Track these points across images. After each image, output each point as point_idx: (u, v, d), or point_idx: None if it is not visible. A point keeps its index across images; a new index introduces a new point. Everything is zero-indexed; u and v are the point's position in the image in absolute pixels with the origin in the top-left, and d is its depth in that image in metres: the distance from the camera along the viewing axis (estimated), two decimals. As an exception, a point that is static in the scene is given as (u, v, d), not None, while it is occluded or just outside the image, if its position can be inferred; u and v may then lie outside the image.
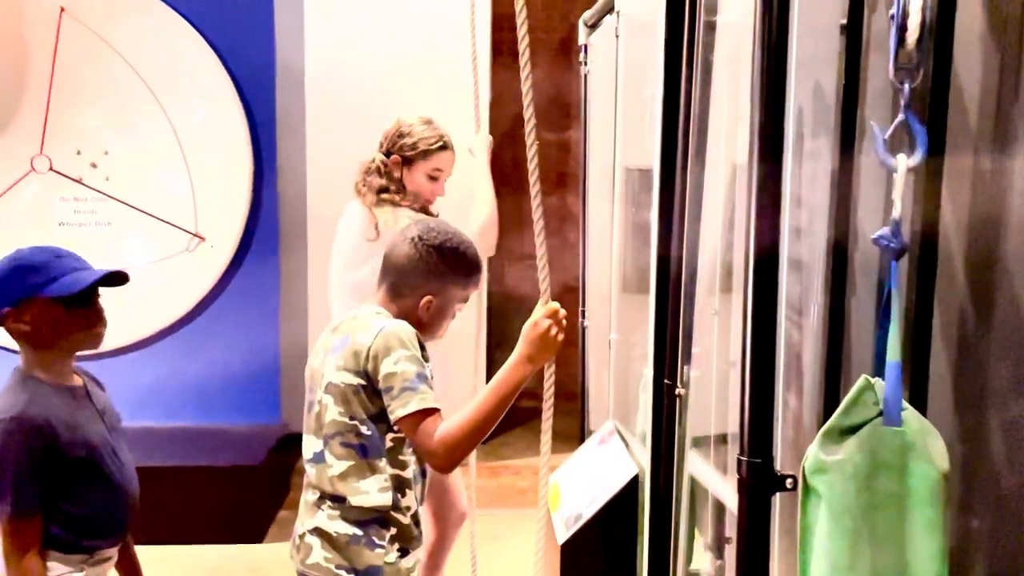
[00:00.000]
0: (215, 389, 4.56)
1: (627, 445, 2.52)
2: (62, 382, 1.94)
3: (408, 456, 1.84)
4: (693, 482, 2.07)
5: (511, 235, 6.22)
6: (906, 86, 1.36)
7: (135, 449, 3.93)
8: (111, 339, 4.55)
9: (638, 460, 2.35)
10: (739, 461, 1.42)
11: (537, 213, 1.81)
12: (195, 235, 4.49)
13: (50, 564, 1.85)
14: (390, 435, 1.81)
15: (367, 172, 2.64)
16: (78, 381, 1.99)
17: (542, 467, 1.98)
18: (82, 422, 1.92)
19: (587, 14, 3.28)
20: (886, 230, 1.35)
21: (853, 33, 1.56)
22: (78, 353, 1.98)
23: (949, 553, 1.34)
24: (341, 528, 1.81)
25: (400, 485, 1.83)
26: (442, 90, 4.52)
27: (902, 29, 1.34)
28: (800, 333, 1.73)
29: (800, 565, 1.39)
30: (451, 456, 1.72)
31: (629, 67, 2.69)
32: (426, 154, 2.60)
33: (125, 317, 4.40)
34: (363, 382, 1.78)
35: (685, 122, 1.99)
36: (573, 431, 3.64)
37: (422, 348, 1.80)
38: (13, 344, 1.92)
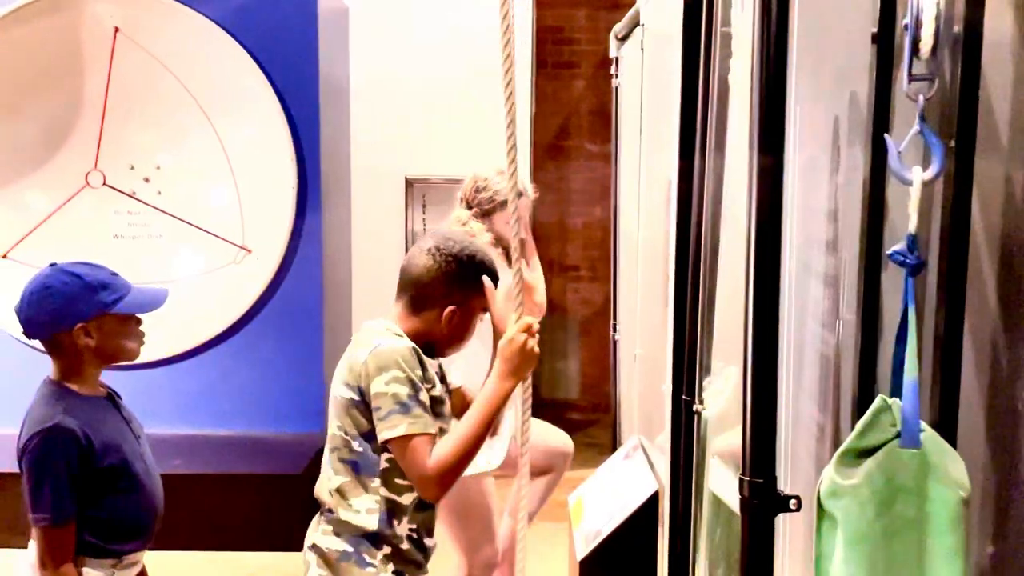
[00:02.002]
0: (259, 398, 4.65)
1: (650, 461, 2.50)
2: (92, 393, 2.00)
3: (408, 482, 1.79)
4: (716, 497, 2.03)
5: (553, 247, 6.22)
6: (921, 98, 1.32)
7: (180, 456, 4.05)
8: (160, 348, 4.68)
9: (660, 476, 2.32)
10: (741, 481, 1.39)
11: (515, 228, 1.79)
12: (242, 247, 4.58)
13: (83, 570, 1.91)
14: (385, 455, 1.77)
15: (464, 222, 2.74)
16: (103, 392, 2.05)
17: (521, 476, 1.90)
18: (113, 431, 1.98)
19: (617, 27, 3.27)
20: (902, 245, 1.31)
21: (884, 42, 1.52)
22: (134, 361, 2.08)
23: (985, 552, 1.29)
24: (333, 544, 1.80)
25: (394, 510, 1.78)
26: (486, 106, 4.55)
27: (915, 39, 1.31)
28: (833, 351, 1.70)
29: None
30: (442, 482, 1.70)
31: (654, 79, 2.68)
32: (504, 204, 2.72)
33: (174, 327, 4.51)
34: (356, 397, 1.75)
35: (703, 132, 1.97)
36: (609, 442, 3.62)
37: (424, 368, 1.77)
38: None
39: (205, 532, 3.83)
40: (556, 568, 3.40)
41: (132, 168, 4.57)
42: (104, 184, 4.56)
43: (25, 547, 1.97)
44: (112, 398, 2.07)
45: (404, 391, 1.72)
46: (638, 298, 2.88)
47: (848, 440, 1.31)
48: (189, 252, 4.61)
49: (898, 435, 1.28)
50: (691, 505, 1.99)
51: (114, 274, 2.00)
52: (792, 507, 1.38)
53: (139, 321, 2.03)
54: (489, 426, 1.74)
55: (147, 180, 4.59)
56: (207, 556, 3.78)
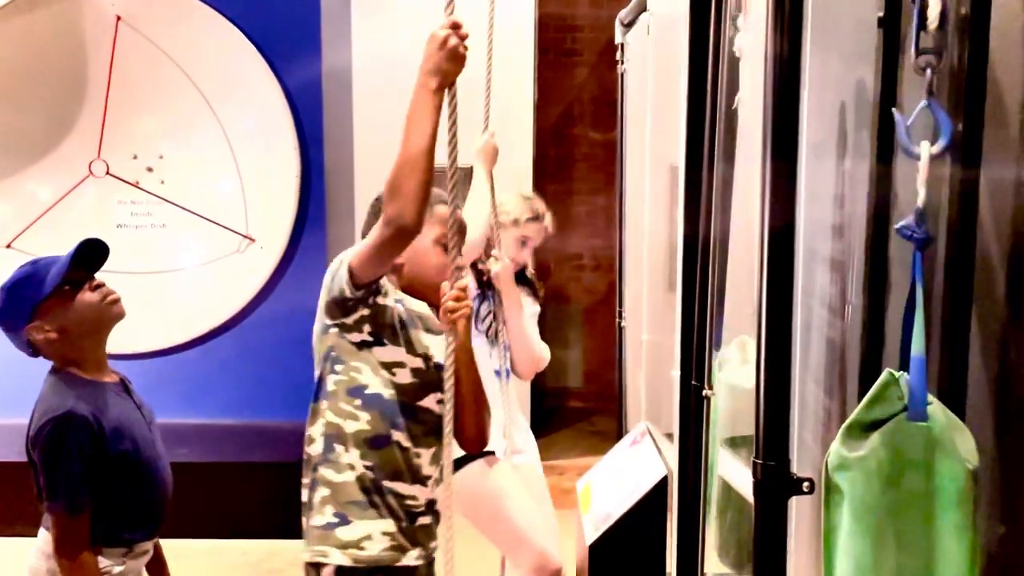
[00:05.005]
0: (264, 387, 4.65)
1: (658, 446, 2.51)
2: (101, 378, 1.98)
3: (361, 411, 1.74)
4: (727, 485, 2.04)
5: (557, 235, 6.21)
6: (928, 72, 1.32)
7: (185, 445, 4.06)
8: (164, 338, 4.68)
9: (668, 461, 2.33)
10: (754, 464, 1.40)
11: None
12: (245, 237, 4.58)
13: (97, 559, 1.90)
14: (333, 377, 1.76)
15: None
16: (115, 377, 2.04)
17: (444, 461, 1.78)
18: (125, 417, 1.96)
19: (623, 12, 3.27)
20: (910, 219, 1.31)
21: (891, 26, 1.52)
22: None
23: (992, 555, 1.29)
24: (303, 497, 1.83)
25: (337, 436, 1.75)
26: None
27: (923, 12, 1.30)
28: (840, 334, 1.70)
29: (824, 566, 1.36)
30: (394, 192, 1.62)
31: (661, 65, 2.67)
32: (515, 223, 2.71)
33: (178, 317, 4.53)
34: (320, 322, 1.78)
35: (712, 117, 1.97)
36: (614, 430, 3.63)
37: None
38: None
39: (210, 520, 3.84)
40: (565, 554, 3.42)
41: (135, 157, 4.56)
42: (107, 173, 4.55)
43: (33, 536, 1.97)
44: (124, 383, 2.07)
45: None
46: (644, 284, 2.88)
47: (855, 413, 1.31)
48: (193, 241, 4.61)
49: (905, 408, 1.28)
50: (700, 490, 2.00)
51: (36, 261, 1.95)
52: (805, 489, 1.38)
53: (88, 283, 1.94)
54: (422, 133, 1.62)
55: (150, 169, 4.58)
56: (211, 544, 3.80)
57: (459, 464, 2.50)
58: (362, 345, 1.77)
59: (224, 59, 4.49)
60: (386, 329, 1.77)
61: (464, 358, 1.73)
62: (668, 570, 2.26)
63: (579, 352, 5.83)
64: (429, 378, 1.80)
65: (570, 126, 5.89)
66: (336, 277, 1.74)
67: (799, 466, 1.44)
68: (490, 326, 2.63)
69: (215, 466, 3.96)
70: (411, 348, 1.80)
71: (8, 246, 4.49)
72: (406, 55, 4.91)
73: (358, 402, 1.76)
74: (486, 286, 2.64)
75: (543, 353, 2.67)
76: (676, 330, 2.10)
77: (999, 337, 1.37)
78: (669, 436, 2.51)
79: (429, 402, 1.81)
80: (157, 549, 2.11)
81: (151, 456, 2.00)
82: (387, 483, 1.75)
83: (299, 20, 4.53)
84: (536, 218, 2.72)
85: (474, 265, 2.64)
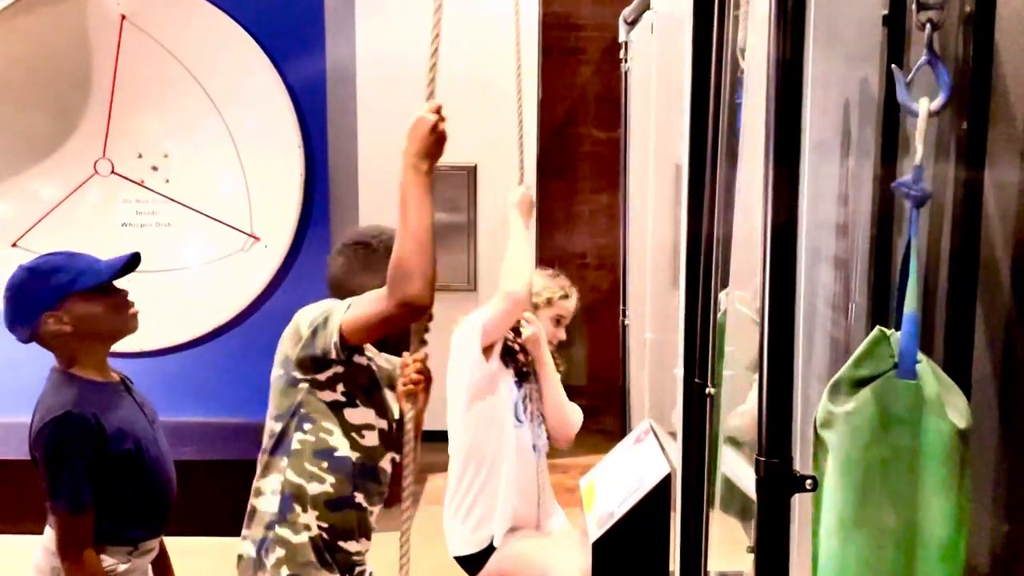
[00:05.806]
0: (267, 386, 4.66)
1: (661, 444, 2.51)
2: (102, 377, 1.99)
3: (327, 474, 1.73)
4: (732, 483, 2.04)
5: (560, 233, 6.22)
6: (928, 27, 1.32)
7: (190, 443, 4.06)
8: (170, 336, 4.68)
9: (671, 459, 2.34)
10: (757, 461, 1.39)
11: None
12: (250, 235, 4.59)
13: (101, 557, 1.91)
14: (298, 435, 1.73)
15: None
16: (116, 376, 2.05)
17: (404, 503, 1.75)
18: (126, 416, 1.98)
19: (626, 11, 3.27)
20: (907, 177, 1.31)
21: (895, 24, 1.52)
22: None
23: (1001, 529, 1.28)
24: (244, 549, 1.83)
25: (297, 496, 1.73)
26: (493, 92, 4.54)
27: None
28: (844, 332, 1.70)
29: (812, 523, 1.35)
30: (405, 274, 1.56)
31: (665, 63, 2.67)
32: (549, 302, 2.75)
33: (183, 315, 4.53)
34: (281, 371, 1.76)
35: (715, 116, 1.97)
36: (617, 428, 3.62)
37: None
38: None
39: (215, 518, 3.85)
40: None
41: (140, 157, 4.57)
42: (112, 172, 4.56)
43: (38, 533, 1.97)
44: (125, 383, 2.07)
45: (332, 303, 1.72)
46: (648, 283, 2.89)
47: (843, 369, 1.30)
48: (197, 240, 4.62)
49: (895, 366, 1.27)
50: (704, 487, 2.00)
51: (72, 255, 1.93)
52: (808, 487, 1.38)
53: (117, 291, 1.96)
54: (421, 215, 1.59)
55: (155, 168, 4.59)
56: (216, 541, 3.80)
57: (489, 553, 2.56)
58: (334, 405, 1.75)
59: (228, 58, 4.50)
60: (359, 390, 1.76)
61: (415, 424, 1.71)
62: (671, 568, 2.26)
63: (583, 350, 5.84)
64: (390, 439, 1.82)
65: (574, 125, 5.89)
66: (322, 336, 1.69)
67: (803, 465, 1.44)
68: (526, 408, 2.64)
69: (220, 464, 3.97)
70: (380, 410, 1.80)
71: (13, 245, 4.51)
72: (409, 53, 4.94)
73: (325, 464, 1.74)
74: (522, 371, 2.63)
75: (576, 416, 2.70)
76: (679, 328, 2.10)
77: (1009, 305, 1.37)
78: (673, 434, 2.51)
79: (386, 463, 1.84)
80: (160, 546, 2.12)
81: (154, 455, 2.01)
82: (340, 543, 1.78)
83: (303, 19, 4.53)
84: (567, 296, 2.77)
85: (511, 353, 2.62)
